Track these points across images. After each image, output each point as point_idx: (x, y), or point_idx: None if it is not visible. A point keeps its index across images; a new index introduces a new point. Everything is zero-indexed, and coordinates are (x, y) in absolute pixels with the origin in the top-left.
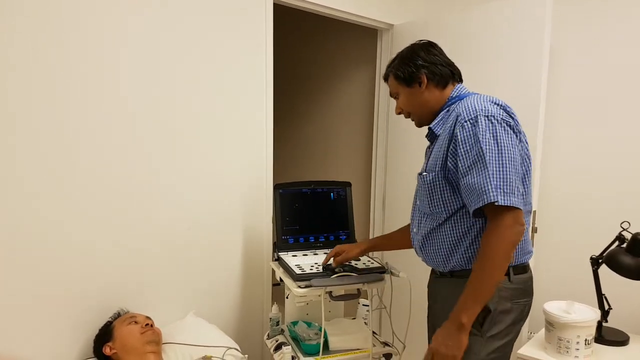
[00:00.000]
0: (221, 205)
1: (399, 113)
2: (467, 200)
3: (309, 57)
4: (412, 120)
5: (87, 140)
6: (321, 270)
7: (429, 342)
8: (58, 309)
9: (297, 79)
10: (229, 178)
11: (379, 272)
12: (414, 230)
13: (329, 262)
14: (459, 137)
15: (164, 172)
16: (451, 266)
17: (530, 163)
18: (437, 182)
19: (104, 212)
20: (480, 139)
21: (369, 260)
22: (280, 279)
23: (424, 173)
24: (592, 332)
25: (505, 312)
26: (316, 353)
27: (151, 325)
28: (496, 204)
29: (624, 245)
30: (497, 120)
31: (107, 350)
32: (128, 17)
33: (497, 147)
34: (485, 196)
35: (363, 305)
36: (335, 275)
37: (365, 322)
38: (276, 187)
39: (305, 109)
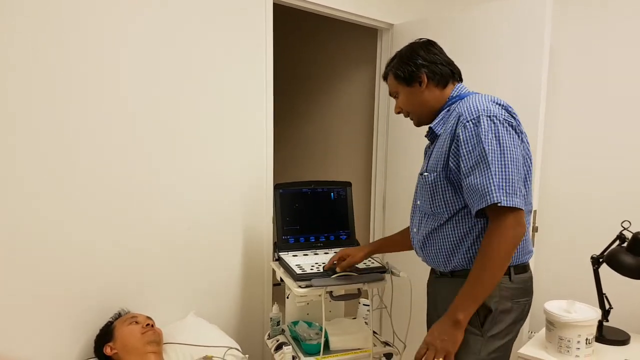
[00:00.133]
0: (221, 205)
1: (398, 112)
2: (470, 200)
3: (309, 57)
4: (411, 119)
5: (87, 140)
6: (322, 270)
7: None
8: (58, 309)
9: (297, 79)
10: (229, 178)
11: (380, 272)
12: (414, 230)
13: (332, 267)
14: (461, 137)
15: (164, 172)
16: (452, 266)
17: (531, 163)
18: (439, 183)
19: (104, 212)
20: (483, 139)
21: (369, 260)
22: (281, 279)
23: (425, 173)
24: (593, 331)
25: (506, 311)
26: (317, 353)
27: (152, 326)
28: (499, 205)
29: (625, 244)
30: (500, 120)
31: (107, 350)
32: (128, 17)
33: (500, 147)
34: (488, 197)
35: (364, 305)
36: (336, 275)
37: (365, 322)
38: (276, 187)
39: (305, 109)
